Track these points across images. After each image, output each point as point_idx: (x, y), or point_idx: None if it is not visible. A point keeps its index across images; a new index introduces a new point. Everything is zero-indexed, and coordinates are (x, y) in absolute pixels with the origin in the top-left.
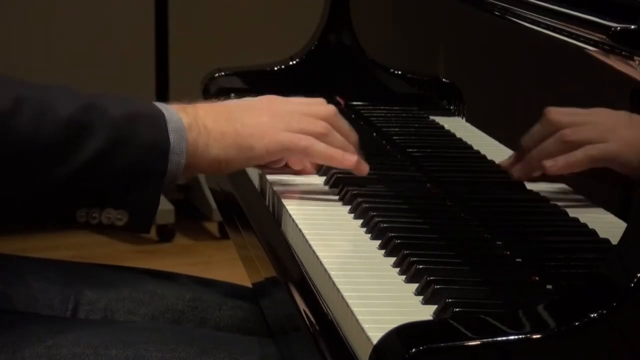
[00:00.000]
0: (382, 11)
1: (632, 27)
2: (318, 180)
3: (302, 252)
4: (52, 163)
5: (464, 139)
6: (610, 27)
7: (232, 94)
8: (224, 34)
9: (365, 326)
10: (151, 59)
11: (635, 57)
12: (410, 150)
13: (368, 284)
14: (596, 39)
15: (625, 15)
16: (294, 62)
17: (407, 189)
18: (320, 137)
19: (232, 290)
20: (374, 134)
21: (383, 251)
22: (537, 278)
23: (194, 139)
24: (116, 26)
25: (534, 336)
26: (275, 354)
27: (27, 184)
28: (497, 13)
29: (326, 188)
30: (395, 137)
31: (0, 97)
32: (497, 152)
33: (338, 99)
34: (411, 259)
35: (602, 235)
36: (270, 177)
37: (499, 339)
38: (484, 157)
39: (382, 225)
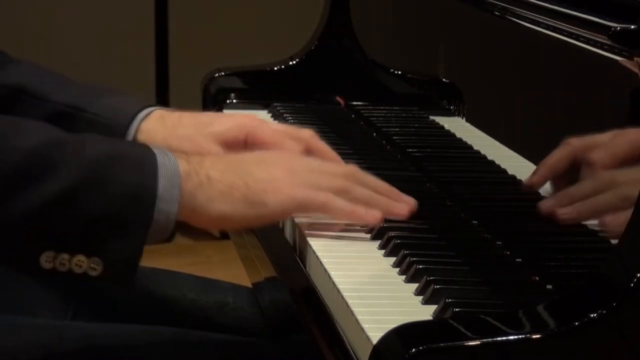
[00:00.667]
0: (382, 11)
1: (632, 27)
2: None
3: (302, 253)
4: (12, 193)
5: (464, 139)
6: (610, 27)
7: (232, 94)
8: (224, 34)
9: (365, 326)
10: (151, 59)
11: (635, 57)
12: (410, 150)
13: (368, 284)
14: (596, 39)
15: (625, 15)
16: (294, 62)
17: (407, 189)
18: (340, 193)
19: (233, 290)
20: (374, 134)
21: (383, 251)
22: (537, 278)
23: (191, 189)
24: (116, 26)
25: (534, 336)
26: (276, 354)
27: None
28: (497, 13)
29: None
30: (395, 137)
31: None
32: (497, 152)
33: (338, 99)
34: (411, 259)
35: (601, 234)
36: None
37: (499, 339)
38: (484, 157)
39: (382, 225)
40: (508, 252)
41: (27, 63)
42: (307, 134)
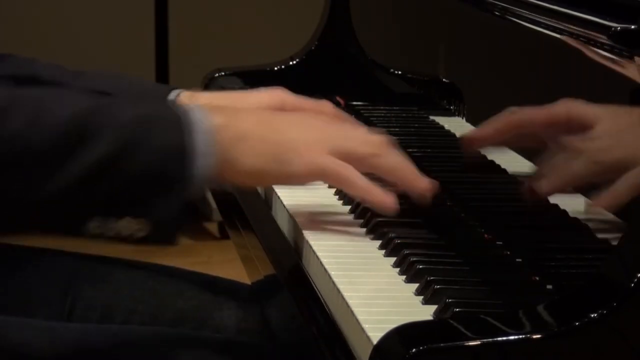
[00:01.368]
0: (382, 11)
1: (632, 27)
2: (318, 181)
3: (302, 253)
4: (51, 168)
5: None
6: (610, 27)
7: None
8: (224, 34)
9: (365, 326)
10: (151, 59)
11: (636, 57)
12: (410, 150)
13: (368, 284)
14: (596, 39)
15: (625, 15)
16: (294, 62)
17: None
18: (371, 157)
19: (233, 289)
20: None
21: (383, 251)
22: (537, 278)
23: (225, 143)
24: (116, 26)
25: (534, 336)
26: (275, 354)
27: (25, 189)
28: (497, 13)
29: (326, 187)
30: (395, 137)
31: None
32: (497, 152)
33: (338, 99)
34: (411, 259)
35: (601, 235)
36: None
37: (499, 339)
38: (484, 157)
39: (382, 225)
40: (508, 252)
41: (23, 57)
42: (379, 138)
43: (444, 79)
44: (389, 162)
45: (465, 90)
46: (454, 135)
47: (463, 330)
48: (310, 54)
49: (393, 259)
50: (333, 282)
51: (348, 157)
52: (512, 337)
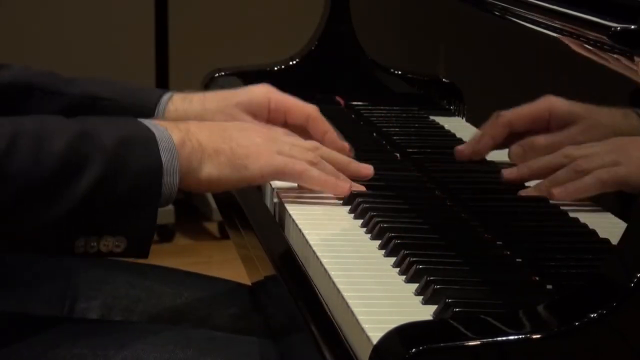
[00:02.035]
0: (383, 11)
1: (632, 27)
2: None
3: (302, 252)
4: (50, 198)
5: (464, 139)
6: (610, 27)
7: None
8: (224, 34)
9: (365, 326)
10: (151, 59)
11: (635, 57)
12: (411, 150)
13: (368, 284)
14: (596, 39)
15: (625, 15)
16: (294, 62)
17: (407, 189)
18: (312, 163)
19: (231, 289)
20: (374, 134)
21: (383, 251)
22: (537, 278)
23: (187, 156)
24: (116, 26)
25: (534, 336)
26: (275, 354)
27: (25, 220)
28: (497, 13)
29: None
30: (395, 137)
31: None
32: (496, 152)
33: (338, 99)
34: (411, 259)
35: (602, 235)
36: None
37: (499, 339)
38: (484, 157)
39: (382, 225)
40: (508, 252)
41: (19, 66)
42: (312, 144)
43: (444, 79)
44: (326, 170)
45: (465, 90)
46: (454, 135)
47: (463, 330)
48: (311, 54)
49: (393, 259)
50: (333, 282)
51: (295, 151)
52: (512, 337)
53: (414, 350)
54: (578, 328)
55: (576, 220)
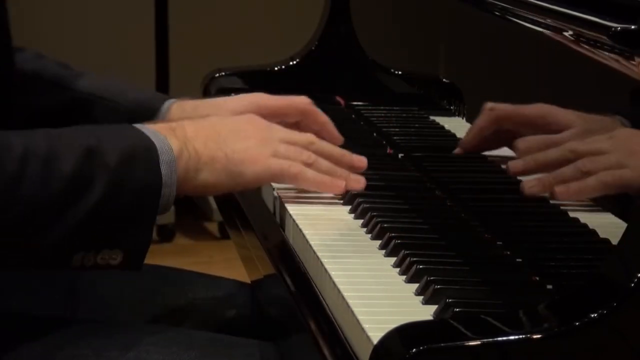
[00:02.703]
0: (383, 11)
1: (632, 27)
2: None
3: (302, 253)
4: (54, 219)
5: None
6: (611, 27)
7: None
8: (225, 34)
9: (365, 326)
10: (151, 59)
11: (636, 57)
12: (411, 150)
13: (368, 284)
14: (596, 39)
15: (626, 15)
16: (294, 62)
17: (407, 189)
18: (308, 164)
19: (234, 289)
20: (374, 134)
21: (383, 251)
22: (537, 278)
23: (184, 165)
24: (116, 26)
25: (534, 336)
26: (276, 353)
27: (29, 240)
28: (497, 13)
29: None
30: (395, 138)
31: (8, 155)
32: (497, 152)
33: (338, 99)
34: (411, 259)
35: (602, 235)
36: None
37: (499, 339)
38: (484, 157)
39: (382, 225)
40: (508, 252)
41: (32, 51)
42: (307, 140)
43: (444, 79)
44: (322, 168)
45: (466, 91)
46: (454, 135)
47: (463, 330)
48: (311, 54)
49: (393, 259)
50: (333, 282)
51: (290, 152)
52: (512, 337)
53: (414, 350)
54: (578, 328)
55: (576, 220)
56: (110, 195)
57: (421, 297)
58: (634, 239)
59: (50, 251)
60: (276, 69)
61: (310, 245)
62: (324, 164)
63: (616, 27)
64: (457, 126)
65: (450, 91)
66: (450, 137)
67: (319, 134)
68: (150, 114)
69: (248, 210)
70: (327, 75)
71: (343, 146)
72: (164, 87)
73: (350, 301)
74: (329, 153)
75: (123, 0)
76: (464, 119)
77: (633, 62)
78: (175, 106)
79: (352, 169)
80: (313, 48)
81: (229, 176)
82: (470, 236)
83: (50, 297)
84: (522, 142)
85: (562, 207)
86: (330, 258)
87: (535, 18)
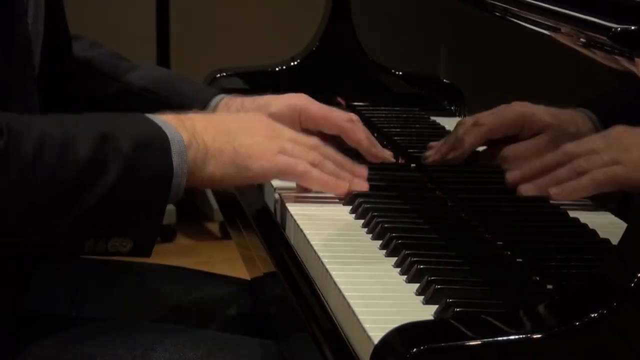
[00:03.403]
0: (384, 12)
1: (633, 28)
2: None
3: (303, 253)
4: (68, 203)
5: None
6: (611, 28)
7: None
8: (226, 34)
9: (366, 326)
10: (153, 60)
11: (636, 58)
12: (411, 150)
13: (369, 284)
14: (597, 39)
15: (626, 16)
16: (295, 62)
17: (408, 190)
18: (314, 163)
19: (237, 288)
20: (375, 135)
21: (384, 251)
22: (537, 278)
23: (193, 156)
24: (117, 27)
25: (535, 336)
26: (276, 353)
27: (42, 223)
28: (497, 14)
29: None
30: (396, 138)
31: (26, 140)
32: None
33: (339, 99)
34: (412, 259)
35: (602, 235)
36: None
37: (500, 338)
38: (485, 157)
39: (383, 225)
40: (508, 252)
41: (89, 40)
42: (314, 143)
43: (444, 80)
44: (326, 169)
45: (466, 91)
46: None
47: (464, 330)
48: (312, 55)
49: (394, 259)
50: (334, 282)
51: (296, 150)
52: (512, 337)
53: (414, 350)
54: (578, 328)
55: (576, 220)
56: (123, 181)
57: (422, 297)
58: (634, 239)
59: (64, 236)
60: (277, 69)
61: (311, 246)
62: (329, 165)
63: (616, 28)
64: None
65: (451, 91)
66: None
67: (358, 149)
68: (200, 109)
69: (249, 211)
70: (328, 75)
71: (345, 148)
72: None
73: (351, 301)
74: (333, 159)
75: (124, 1)
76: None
77: (633, 63)
78: (223, 103)
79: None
80: (314, 49)
81: (236, 170)
82: (471, 236)
83: (55, 297)
84: (510, 151)
85: (562, 207)
86: (331, 258)
87: (535, 19)
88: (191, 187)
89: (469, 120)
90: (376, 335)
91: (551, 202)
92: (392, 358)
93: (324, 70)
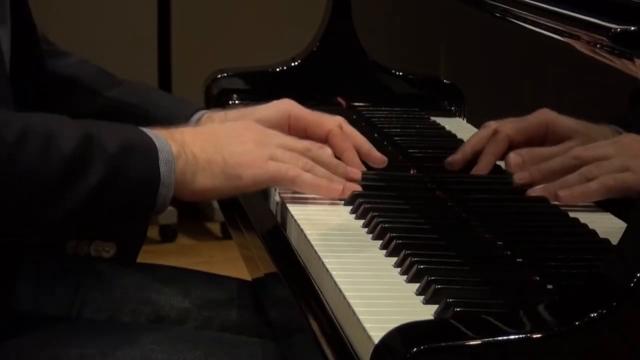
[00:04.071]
0: (384, 12)
1: (632, 28)
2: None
3: (304, 253)
4: (51, 198)
5: (465, 139)
6: (611, 28)
7: (235, 95)
8: (226, 35)
9: (366, 326)
10: (154, 60)
11: (636, 59)
12: (412, 150)
13: (369, 284)
14: (596, 40)
15: (626, 16)
16: (296, 63)
17: (408, 190)
18: (305, 168)
19: (238, 288)
20: (376, 135)
21: (384, 251)
22: (537, 278)
23: (182, 168)
24: (118, 27)
25: (535, 336)
26: (277, 353)
27: (23, 217)
28: (498, 14)
29: None
30: (396, 138)
31: (8, 129)
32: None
33: (339, 99)
34: (412, 259)
35: (602, 235)
36: None
37: (500, 338)
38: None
39: (383, 225)
40: (508, 252)
41: (77, 57)
42: (304, 147)
43: (445, 80)
44: (318, 174)
45: (466, 91)
46: (454, 136)
47: (464, 329)
48: (312, 55)
49: (394, 259)
50: (334, 282)
51: (287, 156)
52: (512, 337)
53: (415, 349)
54: (578, 328)
55: (576, 220)
56: (107, 181)
57: (422, 297)
58: (634, 239)
59: (46, 233)
60: (278, 70)
61: (311, 246)
62: (321, 170)
63: (616, 29)
64: (458, 127)
65: (451, 92)
66: (451, 138)
67: (341, 157)
68: (182, 123)
69: (250, 211)
70: (329, 76)
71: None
72: (166, 88)
73: (351, 301)
74: (325, 162)
75: (125, 2)
76: (465, 119)
77: (633, 64)
78: (206, 117)
79: (347, 180)
80: (314, 49)
81: (227, 179)
82: (471, 236)
83: (56, 299)
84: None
85: (562, 208)
86: (332, 258)
87: (535, 19)
88: (183, 200)
89: (492, 125)
90: (376, 335)
91: (552, 202)
92: (392, 358)
93: (325, 70)
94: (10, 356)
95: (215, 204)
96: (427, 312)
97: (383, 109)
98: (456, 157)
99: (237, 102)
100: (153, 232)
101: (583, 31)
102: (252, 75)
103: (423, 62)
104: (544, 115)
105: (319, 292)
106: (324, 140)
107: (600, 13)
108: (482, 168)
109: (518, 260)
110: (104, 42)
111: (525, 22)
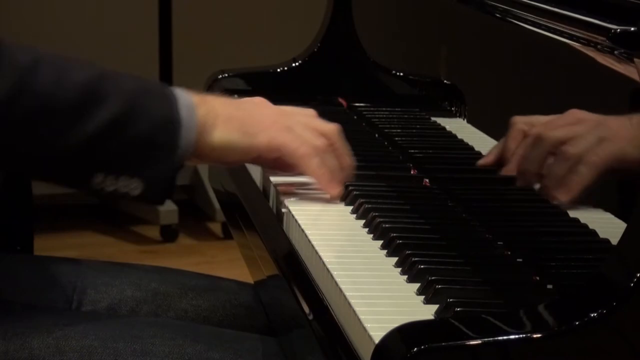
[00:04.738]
0: (385, 13)
1: (632, 29)
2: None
3: (304, 252)
4: (68, 125)
5: (466, 140)
6: (610, 29)
7: (236, 96)
8: (227, 35)
9: (367, 325)
10: (155, 61)
11: (635, 59)
12: (412, 151)
13: (370, 284)
14: (596, 40)
15: (625, 17)
16: (297, 63)
17: (408, 190)
18: (318, 151)
19: (236, 288)
20: (376, 135)
21: (385, 251)
22: (537, 278)
23: (202, 115)
24: (120, 27)
25: (535, 336)
26: (277, 353)
27: (43, 142)
28: (498, 15)
29: None
30: (397, 139)
31: (22, 54)
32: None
33: (340, 100)
34: (413, 259)
35: (602, 235)
36: (273, 178)
37: (500, 338)
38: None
39: (384, 225)
40: (509, 252)
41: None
42: (330, 129)
43: (445, 81)
44: (327, 163)
45: (467, 92)
46: (455, 136)
47: (464, 329)
48: (313, 56)
49: (395, 259)
50: (335, 282)
51: (305, 134)
52: (513, 337)
53: (415, 349)
54: (578, 328)
55: (576, 220)
56: (125, 114)
57: (423, 297)
58: (634, 239)
59: (68, 161)
60: (279, 70)
61: (312, 246)
62: (332, 161)
63: (616, 29)
64: (459, 127)
65: (452, 92)
66: (451, 139)
67: None
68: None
69: (251, 211)
70: (329, 76)
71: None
72: None
73: (352, 301)
74: (339, 155)
75: (127, 1)
76: (465, 120)
77: (633, 64)
78: None
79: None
80: (315, 50)
81: (244, 135)
82: (472, 236)
83: (54, 299)
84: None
85: (562, 207)
86: (333, 258)
87: (535, 20)
88: (201, 156)
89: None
90: (377, 335)
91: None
92: (393, 358)
93: (325, 71)
94: (11, 345)
95: (217, 204)
96: (428, 312)
97: (384, 109)
98: (488, 159)
99: None
100: (154, 232)
101: (583, 32)
102: (253, 76)
103: (424, 63)
104: (576, 115)
105: (320, 292)
106: None
107: (600, 13)
108: (511, 169)
109: (518, 260)
110: (105, 43)
111: (526, 23)
